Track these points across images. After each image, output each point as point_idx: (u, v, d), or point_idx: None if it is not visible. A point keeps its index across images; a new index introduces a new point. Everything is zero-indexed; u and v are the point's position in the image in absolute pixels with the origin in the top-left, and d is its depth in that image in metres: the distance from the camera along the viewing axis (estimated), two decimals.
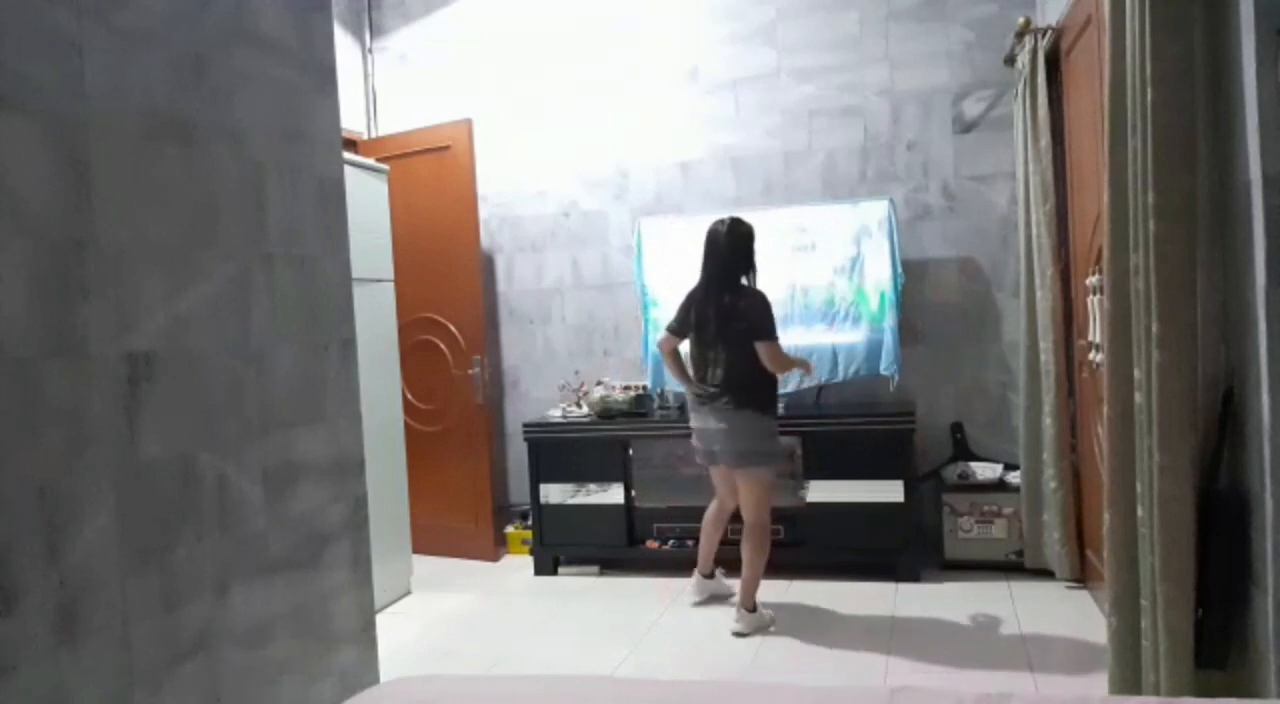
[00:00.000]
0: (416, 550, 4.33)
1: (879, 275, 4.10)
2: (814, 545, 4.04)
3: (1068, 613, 3.45)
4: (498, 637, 3.60)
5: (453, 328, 4.66)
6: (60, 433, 1.63)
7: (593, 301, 4.89)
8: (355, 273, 2.53)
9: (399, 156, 4.60)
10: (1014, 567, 3.91)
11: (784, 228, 4.22)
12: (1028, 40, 3.72)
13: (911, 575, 3.92)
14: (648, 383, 4.46)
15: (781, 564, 3.98)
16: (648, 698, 1.63)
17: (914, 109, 4.39)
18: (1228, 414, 1.92)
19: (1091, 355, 3.18)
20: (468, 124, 4.54)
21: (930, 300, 4.37)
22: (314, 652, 2.27)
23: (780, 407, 4.09)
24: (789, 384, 4.15)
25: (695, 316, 3.56)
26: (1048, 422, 3.66)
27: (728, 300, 3.47)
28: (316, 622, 2.29)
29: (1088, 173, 3.25)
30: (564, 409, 4.56)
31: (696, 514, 3.89)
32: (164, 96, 1.89)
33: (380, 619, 2.70)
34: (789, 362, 3.58)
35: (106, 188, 1.74)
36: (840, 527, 3.98)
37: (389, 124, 5.06)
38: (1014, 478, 4.00)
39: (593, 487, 4.32)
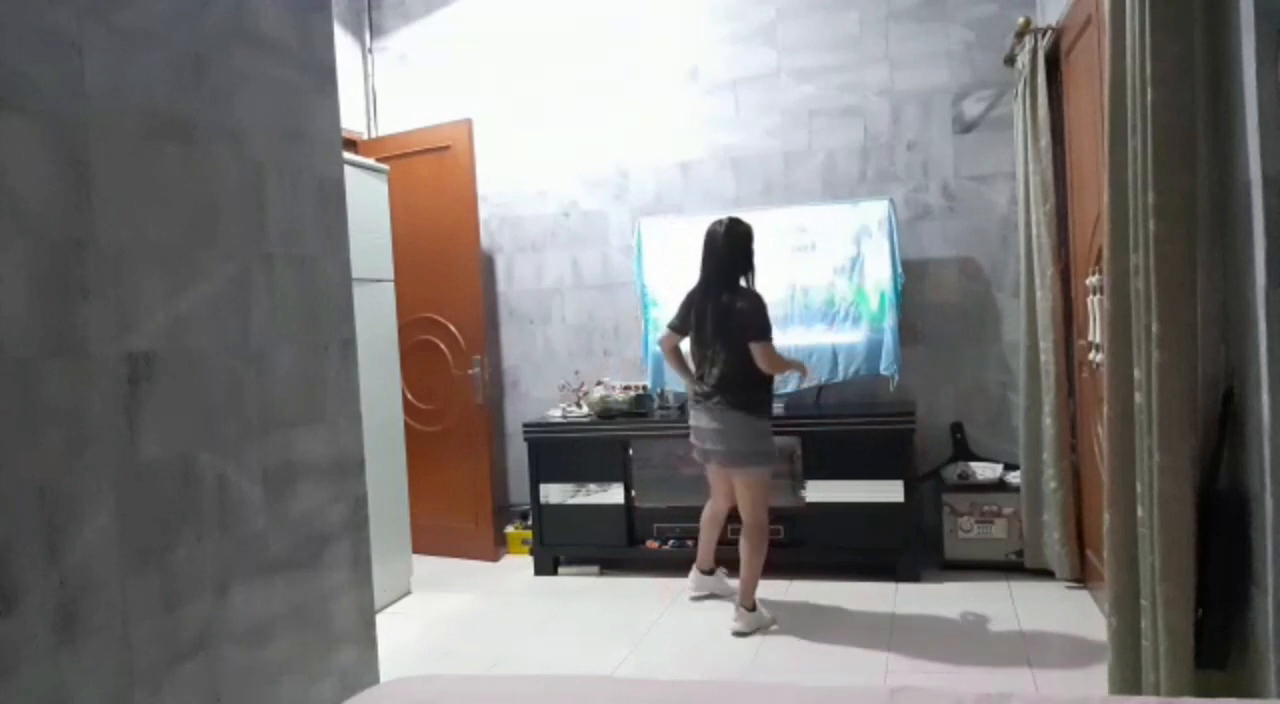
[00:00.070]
0: (416, 550, 4.33)
1: (879, 275, 4.10)
2: (814, 545, 4.04)
3: (1068, 613, 3.45)
4: (498, 637, 3.61)
5: (453, 328, 4.66)
6: (60, 433, 1.63)
7: (593, 301, 4.89)
8: (355, 273, 2.53)
9: (399, 156, 4.60)
10: (1014, 567, 3.91)
11: (784, 228, 4.22)
12: (1028, 40, 3.72)
13: (911, 575, 3.92)
14: (648, 383, 4.46)
15: (781, 564, 3.99)
16: (648, 698, 1.63)
17: (914, 109, 4.39)
18: (1228, 414, 1.92)
19: (1091, 355, 3.18)
20: (468, 124, 4.54)
21: (930, 300, 4.37)
22: (314, 652, 2.27)
23: (780, 407, 4.11)
24: (789, 384, 4.14)
25: (694, 316, 3.58)
26: (1048, 422, 3.66)
27: (725, 300, 3.48)
28: (316, 622, 2.29)
29: (1088, 173, 3.25)
30: (564, 409, 4.56)
31: (696, 514, 3.89)
32: (164, 96, 1.89)
33: (380, 619, 2.70)
34: (784, 363, 3.59)
35: (106, 188, 1.74)
36: (840, 527, 3.98)
37: (389, 124, 5.06)
38: (1014, 478, 4.00)
39: (593, 487, 4.32)
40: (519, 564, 4.52)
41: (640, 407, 4.40)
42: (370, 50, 5.13)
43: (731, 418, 3.47)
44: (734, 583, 3.67)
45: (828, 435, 4.03)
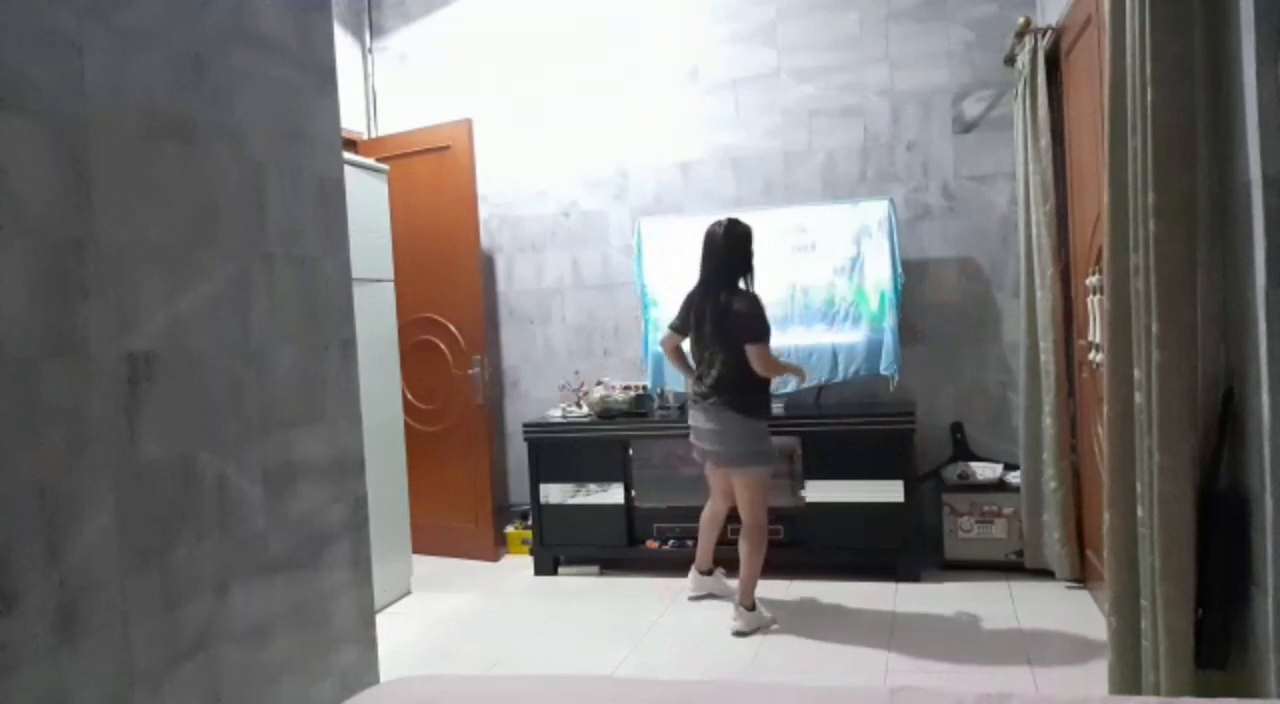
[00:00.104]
0: (416, 550, 4.33)
1: (879, 275, 4.11)
2: (814, 545, 4.04)
3: (1068, 613, 3.45)
4: (498, 637, 3.61)
5: (453, 328, 4.66)
6: (60, 433, 1.63)
7: (593, 301, 4.89)
8: (355, 273, 2.53)
9: (399, 156, 4.60)
10: (1014, 567, 3.91)
11: (784, 228, 4.22)
12: (1028, 40, 3.72)
13: (911, 575, 3.92)
14: (648, 383, 4.46)
15: (782, 564, 3.99)
16: (648, 698, 1.63)
17: (914, 109, 4.39)
18: (1228, 414, 1.92)
19: (1091, 355, 3.18)
20: (468, 124, 4.54)
21: (930, 300, 4.37)
22: (314, 652, 2.27)
23: (780, 407, 4.11)
24: (789, 385, 4.14)
25: (693, 317, 3.58)
26: (1048, 422, 3.66)
27: (722, 301, 3.48)
28: (316, 622, 2.29)
29: (1088, 173, 3.25)
30: (564, 409, 4.56)
31: (696, 514, 3.89)
32: (164, 96, 1.89)
33: (380, 619, 2.70)
34: (779, 366, 3.58)
35: (106, 188, 1.74)
36: (840, 526, 3.98)
37: (389, 124, 5.06)
38: (1014, 478, 4.00)
39: (593, 487, 4.32)
40: (519, 564, 4.52)
41: (640, 407, 4.40)
42: (370, 50, 5.13)
43: (728, 419, 3.47)
44: (733, 583, 3.67)
45: (828, 435, 4.03)
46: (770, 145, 4.58)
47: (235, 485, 2.04)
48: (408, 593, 4.16)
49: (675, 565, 4.11)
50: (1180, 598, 1.89)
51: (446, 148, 4.59)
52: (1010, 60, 3.97)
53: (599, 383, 4.56)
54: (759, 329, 3.44)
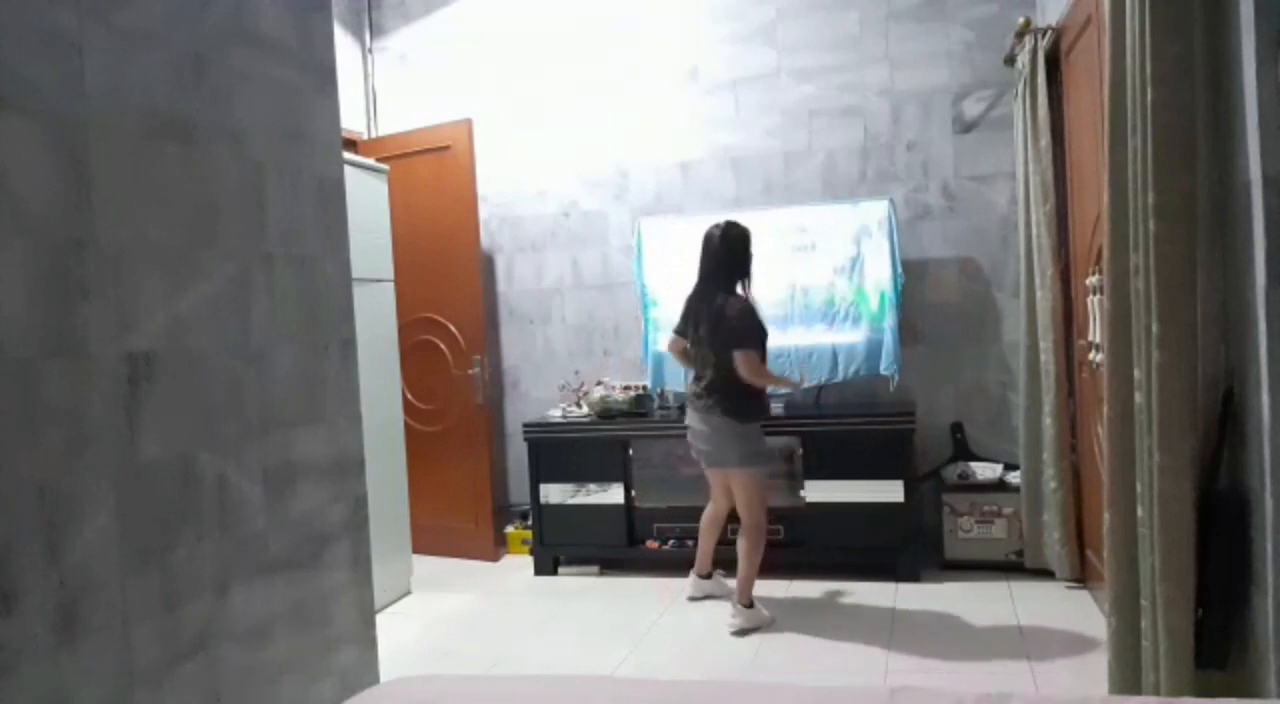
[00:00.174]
0: (416, 550, 4.33)
1: (879, 275, 4.10)
2: (814, 545, 4.04)
3: (1068, 613, 3.45)
4: (498, 637, 3.61)
5: (453, 328, 4.66)
6: (60, 433, 1.63)
7: (593, 301, 4.89)
8: (355, 273, 2.53)
9: (399, 156, 4.60)
10: (1014, 567, 3.91)
11: (784, 228, 4.22)
12: (1028, 40, 3.72)
13: (911, 575, 3.92)
14: (648, 383, 4.46)
15: (781, 564, 3.99)
16: (648, 698, 1.63)
17: (914, 109, 4.39)
18: (1228, 414, 1.92)
19: (1091, 355, 3.18)
20: (468, 124, 4.54)
21: (930, 300, 4.37)
22: (314, 652, 2.27)
23: (780, 407, 4.11)
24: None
25: (691, 319, 3.61)
26: (1048, 422, 3.66)
27: (717, 304, 3.50)
28: (316, 622, 2.29)
29: (1088, 173, 3.25)
30: (564, 409, 4.56)
31: (696, 514, 3.89)
32: (164, 96, 1.89)
33: (380, 619, 2.70)
34: (767, 375, 3.55)
35: (106, 188, 1.74)
36: (840, 526, 3.98)
37: (389, 124, 5.06)
38: (1014, 478, 4.00)
39: (593, 487, 4.31)
40: (519, 564, 4.52)
41: (640, 407, 4.40)
42: (370, 50, 5.13)
43: (720, 421, 3.49)
44: (732, 583, 3.67)
45: (828, 435, 4.03)
46: (770, 145, 4.58)
47: (235, 485, 2.04)
48: (408, 593, 4.16)
49: (675, 565, 4.11)
50: (1180, 598, 1.89)
51: (446, 148, 4.59)
52: (1010, 60, 3.97)
53: (599, 383, 4.56)
54: (748, 335, 3.44)
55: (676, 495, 4.22)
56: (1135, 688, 2.09)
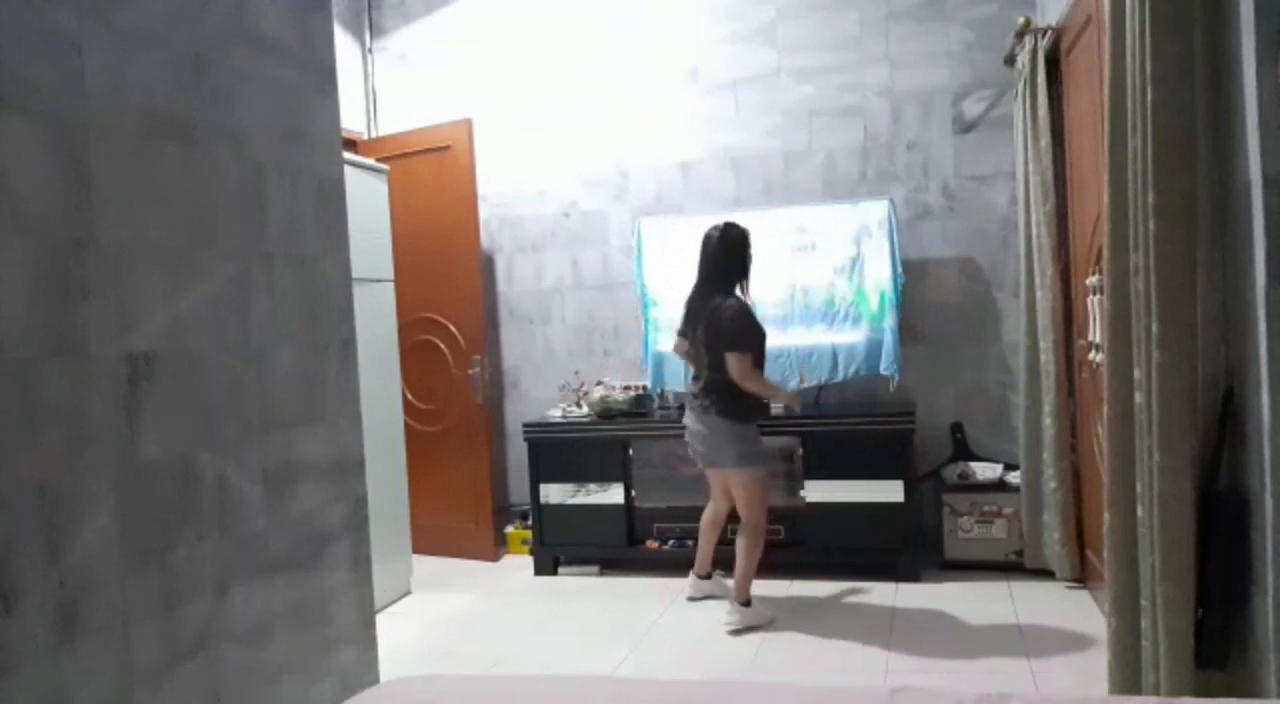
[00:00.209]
0: (416, 550, 4.33)
1: (879, 275, 4.10)
2: (814, 545, 4.04)
3: (1068, 613, 3.45)
4: (498, 637, 3.61)
5: (453, 328, 4.66)
6: (60, 433, 1.63)
7: (593, 301, 4.89)
8: (355, 273, 2.53)
9: (399, 156, 4.60)
10: (1014, 567, 3.91)
11: (784, 228, 4.22)
12: (1028, 40, 3.72)
13: (911, 575, 3.92)
14: (648, 383, 4.46)
15: (782, 564, 3.99)
16: (648, 698, 1.63)
17: (914, 109, 4.39)
18: (1228, 414, 1.92)
19: (1091, 355, 3.18)
20: (468, 124, 4.54)
21: (930, 300, 4.37)
22: (314, 652, 2.27)
23: (779, 407, 4.11)
24: (789, 384, 4.16)
25: (689, 320, 3.62)
26: (1048, 422, 3.66)
27: (713, 306, 3.51)
28: (316, 622, 2.29)
29: (1088, 173, 3.25)
30: (564, 409, 4.56)
31: (696, 514, 3.89)
32: (164, 96, 1.89)
33: (380, 619, 2.70)
34: (759, 381, 3.49)
35: (106, 188, 1.74)
36: (840, 526, 3.98)
37: (389, 124, 5.06)
38: (1014, 478, 4.00)
39: (593, 487, 4.31)
40: (519, 564, 4.52)
41: (640, 407, 4.40)
42: (370, 50, 5.13)
43: (714, 422, 3.51)
44: (731, 583, 3.67)
45: (828, 435, 4.03)
46: (770, 145, 4.58)
47: (235, 485, 2.04)
48: (408, 593, 4.16)
49: (675, 565, 4.11)
50: (1180, 598, 1.89)
51: (446, 148, 4.59)
52: (1010, 60, 3.97)
53: (599, 383, 4.56)
54: (742, 337, 3.44)
55: (676, 495, 4.22)
56: (1135, 688, 2.09)
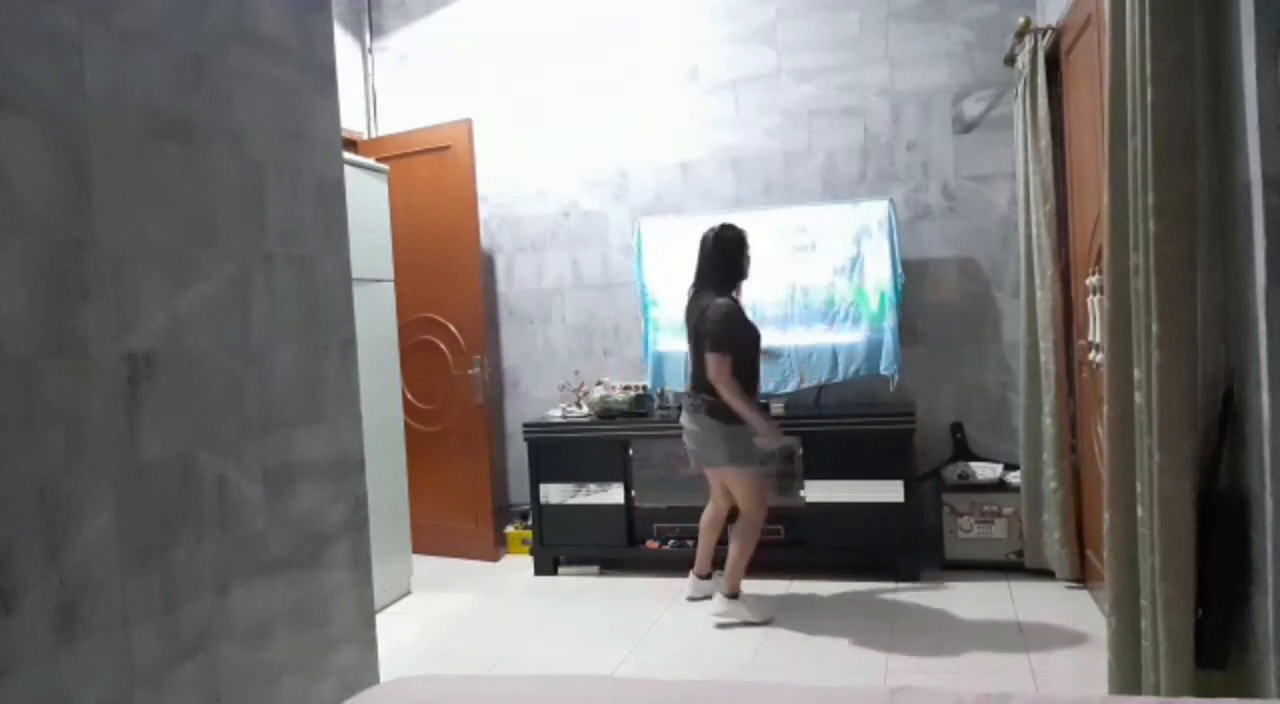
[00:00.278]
0: (416, 550, 4.33)
1: (879, 275, 4.10)
2: (814, 545, 4.04)
3: (1068, 613, 3.45)
4: (498, 637, 3.61)
5: (453, 328, 4.66)
6: (60, 433, 1.63)
7: (593, 301, 4.89)
8: (355, 273, 2.53)
9: (399, 156, 4.60)
10: (1014, 567, 3.91)
11: (784, 228, 4.22)
12: (1028, 40, 3.72)
13: (911, 575, 3.92)
14: (648, 383, 4.46)
15: (781, 564, 3.99)
16: (648, 698, 1.63)
17: (914, 109, 4.39)
18: (1228, 414, 1.92)
19: (1091, 355, 3.18)
20: (468, 124, 4.54)
21: (930, 300, 4.37)
22: (314, 652, 2.27)
23: (780, 407, 4.12)
24: (789, 384, 4.16)
25: (687, 321, 3.66)
26: (1048, 422, 3.66)
27: (701, 306, 3.55)
28: (316, 622, 2.29)
29: (1088, 173, 3.25)
30: (564, 409, 4.56)
31: (696, 514, 3.89)
32: (164, 96, 1.89)
33: (380, 619, 2.70)
34: (735, 392, 3.42)
35: (106, 188, 1.74)
36: (840, 526, 3.98)
37: (389, 124, 5.06)
38: (1014, 478, 4.00)
39: (593, 487, 4.31)
40: (519, 564, 4.52)
41: (640, 407, 4.40)
42: (370, 50, 5.13)
43: (704, 421, 3.54)
44: None
45: (828, 435, 4.03)
46: (770, 145, 4.58)
47: (235, 485, 2.04)
48: (408, 593, 4.16)
49: (675, 565, 4.11)
50: (1180, 598, 1.89)
51: (446, 148, 4.59)
52: (1010, 60, 3.97)
53: (599, 383, 4.56)
54: (721, 338, 3.45)
55: (676, 495, 4.22)
56: (1135, 688, 2.09)
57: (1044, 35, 3.65)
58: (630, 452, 4.28)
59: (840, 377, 4.18)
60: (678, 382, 4.17)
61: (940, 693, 1.54)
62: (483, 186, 4.72)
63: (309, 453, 2.28)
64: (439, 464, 4.64)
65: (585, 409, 4.44)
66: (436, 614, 3.89)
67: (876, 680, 2.95)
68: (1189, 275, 1.90)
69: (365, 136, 5.02)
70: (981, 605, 3.60)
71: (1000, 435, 4.29)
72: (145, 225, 1.83)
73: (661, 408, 4.39)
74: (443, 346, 4.69)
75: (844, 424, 4.05)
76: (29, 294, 1.59)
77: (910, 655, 3.16)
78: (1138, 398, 2.01)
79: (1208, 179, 1.93)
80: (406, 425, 4.31)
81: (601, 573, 4.34)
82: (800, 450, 4.05)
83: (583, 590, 4.15)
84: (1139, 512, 2.03)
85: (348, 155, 3.18)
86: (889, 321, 4.07)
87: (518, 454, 4.76)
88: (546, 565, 4.38)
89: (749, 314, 3.74)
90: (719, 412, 3.49)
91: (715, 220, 3.70)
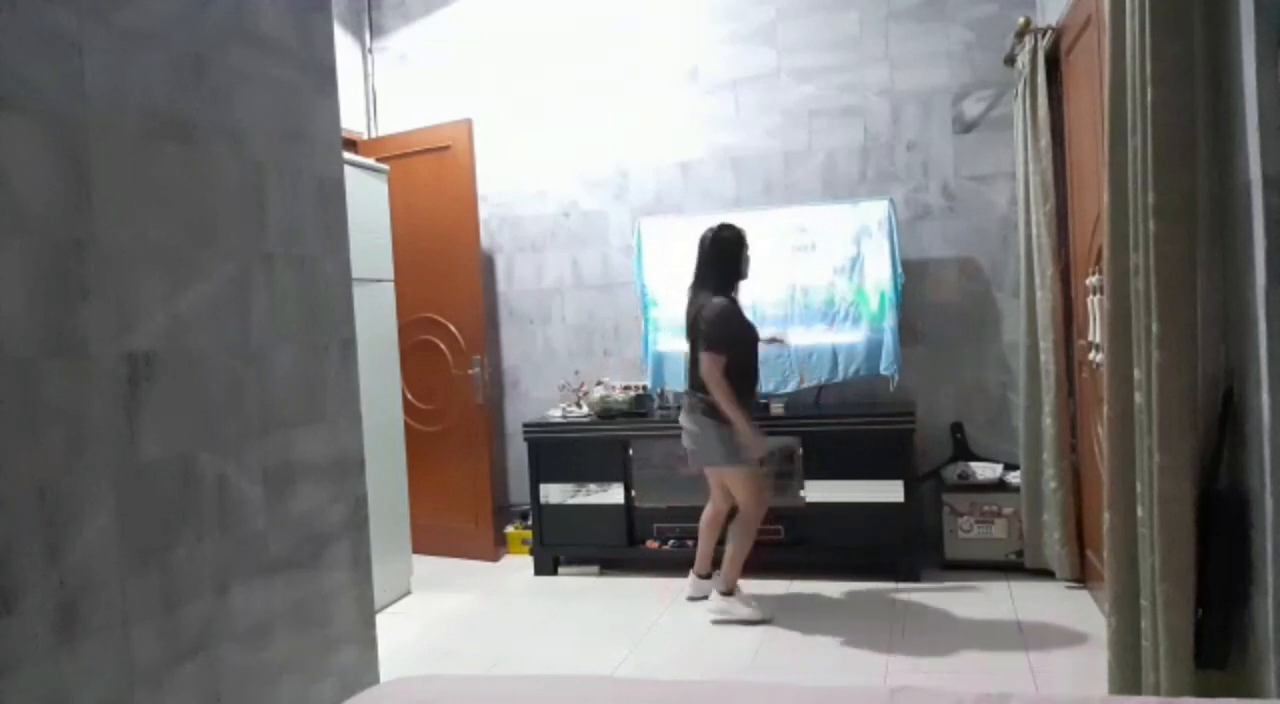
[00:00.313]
0: (416, 550, 4.33)
1: (879, 275, 4.10)
2: (814, 545, 4.04)
3: (1068, 613, 3.45)
4: (498, 637, 3.61)
5: (453, 328, 4.66)
6: (60, 433, 1.63)
7: (593, 301, 4.89)
8: (355, 273, 2.53)
9: (399, 156, 4.60)
10: (1014, 567, 3.91)
11: (784, 228, 4.22)
12: (1028, 40, 3.72)
13: (911, 575, 3.92)
14: (648, 383, 4.46)
15: (782, 564, 3.99)
16: (648, 698, 1.63)
17: (914, 109, 4.39)
18: (1228, 414, 1.92)
19: (1091, 355, 3.18)
20: (468, 124, 4.54)
21: (930, 300, 4.37)
22: (314, 652, 2.27)
23: (780, 407, 4.12)
24: (789, 384, 4.16)
25: (686, 321, 3.68)
26: (1048, 422, 3.66)
27: (697, 305, 3.57)
28: (316, 622, 2.29)
29: (1088, 173, 3.25)
30: (564, 409, 4.56)
31: (696, 514, 3.89)
32: (164, 96, 1.89)
33: (380, 619, 2.70)
34: (725, 395, 3.44)
35: (106, 188, 1.74)
36: (840, 526, 3.98)
37: (389, 124, 5.06)
38: (1014, 478, 4.00)
39: (593, 487, 4.31)
40: (519, 564, 4.52)
41: (640, 407, 4.40)
42: (370, 50, 5.13)
43: (701, 421, 3.56)
44: None
45: (828, 435, 4.03)
46: (770, 145, 4.58)
47: (235, 485, 2.04)
48: (408, 593, 4.16)
49: (675, 565, 4.11)
50: (1180, 598, 1.89)
51: (446, 148, 4.59)
52: (1010, 60, 3.97)
53: (599, 383, 4.56)
54: (714, 337, 3.47)
55: (676, 495, 4.22)
56: (1135, 688, 2.09)
57: (1044, 35, 3.65)
58: (630, 452, 4.29)
59: (840, 377, 4.18)
60: (678, 381, 4.17)
61: (940, 693, 1.54)
62: (483, 186, 4.72)
63: (309, 453, 2.28)
64: (439, 464, 4.64)
65: (585, 409, 4.44)
66: (436, 614, 3.89)
67: (876, 680, 2.95)
68: (1189, 275, 1.90)
69: (365, 136, 5.02)
70: (981, 605, 3.60)
71: (1000, 435, 4.29)
72: (145, 225, 1.83)
73: (661, 408, 4.39)
74: (443, 347, 4.69)
75: (844, 424, 4.05)
76: (29, 294, 1.59)
77: (910, 655, 3.16)
78: (1138, 398, 2.01)
79: (1208, 179, 1.93)
80: (406, 425, 4.31)
81: (601, 573, 4.34)
82: (800, 450, 4.05)
83: (583, 590, 4.15)
84: (1139, 512, 2.03)
85: (348, 155, 3.18)
86: (889, 321, 4.06)
87: (518, 454, 4.76)
88: (546, 565, 4.38)
89: (749, 314, 3.75)
90: (716, 411, 3.49)
91: (715, 220, 3.71)
